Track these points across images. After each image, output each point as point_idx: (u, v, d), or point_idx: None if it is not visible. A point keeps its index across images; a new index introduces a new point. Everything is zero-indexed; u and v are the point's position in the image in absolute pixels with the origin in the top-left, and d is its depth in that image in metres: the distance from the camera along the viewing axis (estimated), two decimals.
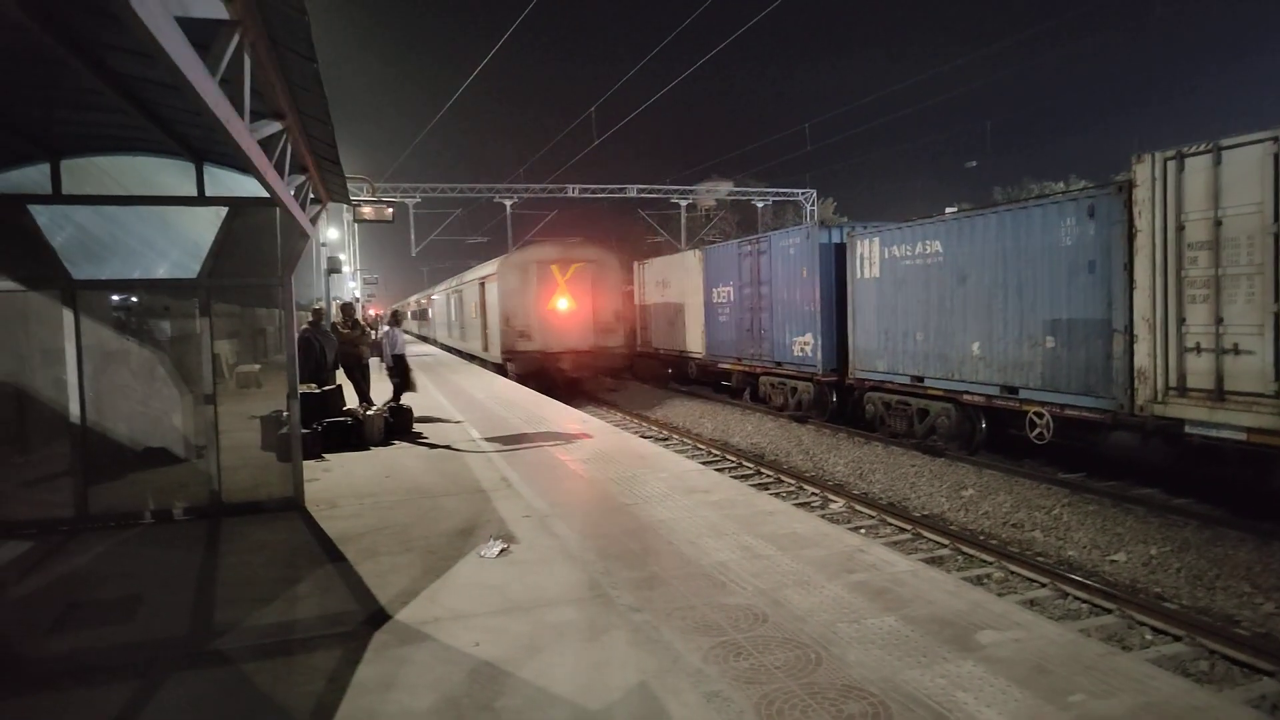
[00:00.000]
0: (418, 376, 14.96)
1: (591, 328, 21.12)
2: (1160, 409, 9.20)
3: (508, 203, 37.87)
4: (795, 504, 10.04)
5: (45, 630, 4.75)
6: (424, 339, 47.21)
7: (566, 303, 20.97)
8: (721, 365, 20.36)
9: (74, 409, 6.88)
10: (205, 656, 4.35)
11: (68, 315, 6.83)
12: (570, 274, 21.06)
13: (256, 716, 3.69)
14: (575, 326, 20.97)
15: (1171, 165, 8.98)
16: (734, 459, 13.33)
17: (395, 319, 14.34)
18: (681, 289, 22.47)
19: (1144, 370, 9.33)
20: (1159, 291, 9.13)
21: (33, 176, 6.75)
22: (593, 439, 10.88)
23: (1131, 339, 9.49)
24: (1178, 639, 6.14)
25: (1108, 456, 10.60)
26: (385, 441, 10.80)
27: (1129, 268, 9.48)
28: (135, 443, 7.57)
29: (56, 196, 6.73)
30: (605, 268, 21.75)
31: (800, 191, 41.91)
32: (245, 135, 3.71)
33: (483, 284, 24.05)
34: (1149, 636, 6.27)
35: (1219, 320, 8.53)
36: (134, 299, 10.93)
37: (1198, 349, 8.79)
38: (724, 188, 42.18)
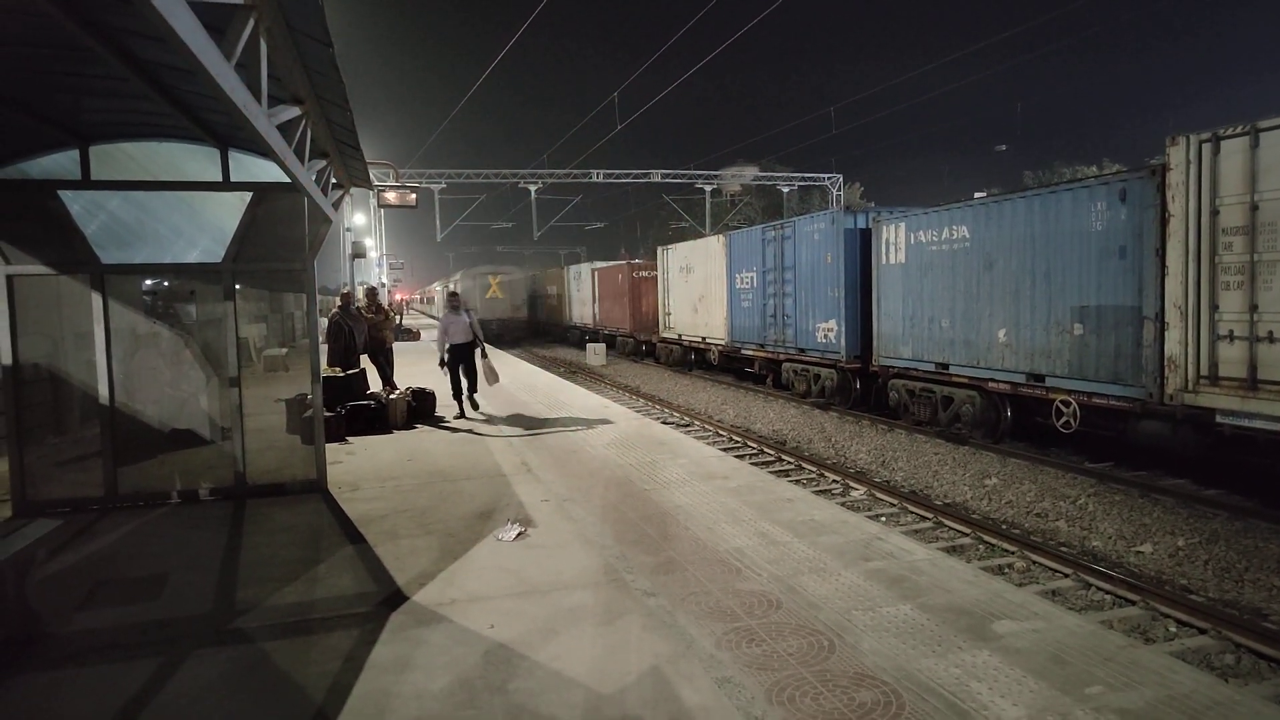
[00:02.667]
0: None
1: (508, 308, 41.38)
2: (1191, 398, 9.02)
3: (532, 188, 37.90)
4: (815, 491, 10.00)
5: (74, 607, 4.86)
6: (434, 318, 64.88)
7: (494, 295, 40.89)
8: (744, 351, 20.28)
9: (103, 391, 7.02)
10: (227, 635, 4.43)
11: (96, 299, 6.95)
12: (497, 280, 41.76)
13: (275, 694, 3.75)
14: (498, 307, 40.67)
15: (1207, 148, 8.77)
16: (754, 445, 13.29)
17: (453, 303, 12.34)
18: (705, 274, 22.39)
19: (1174, 358, 9.15)
20: (1191, 277, 8.94)
21: (63, 163, 6.85)
22: (614, 424, 10.90)
23: (1162, 326, 9.30)
24: (1203, 632, 6.04)
25: (1136, 446, 10.43)
26: (408, 425, 10.90)
27: (1161, 253, 9.29)
28: (163, 424, 7.70)
29: (86, 182, 6.82)
30: (515, 278, 43.24)
31: (826, 176, 41.51)
32: (263, 120, 3.72)
33: (455, 283, 46.44)
34: (1173, 629, 6.18)
35: (1253, 307, 8.33)
36: (165, 283, 11.11)
37: (1231, 337, 8.60)
38: (749, 172, 41.85)
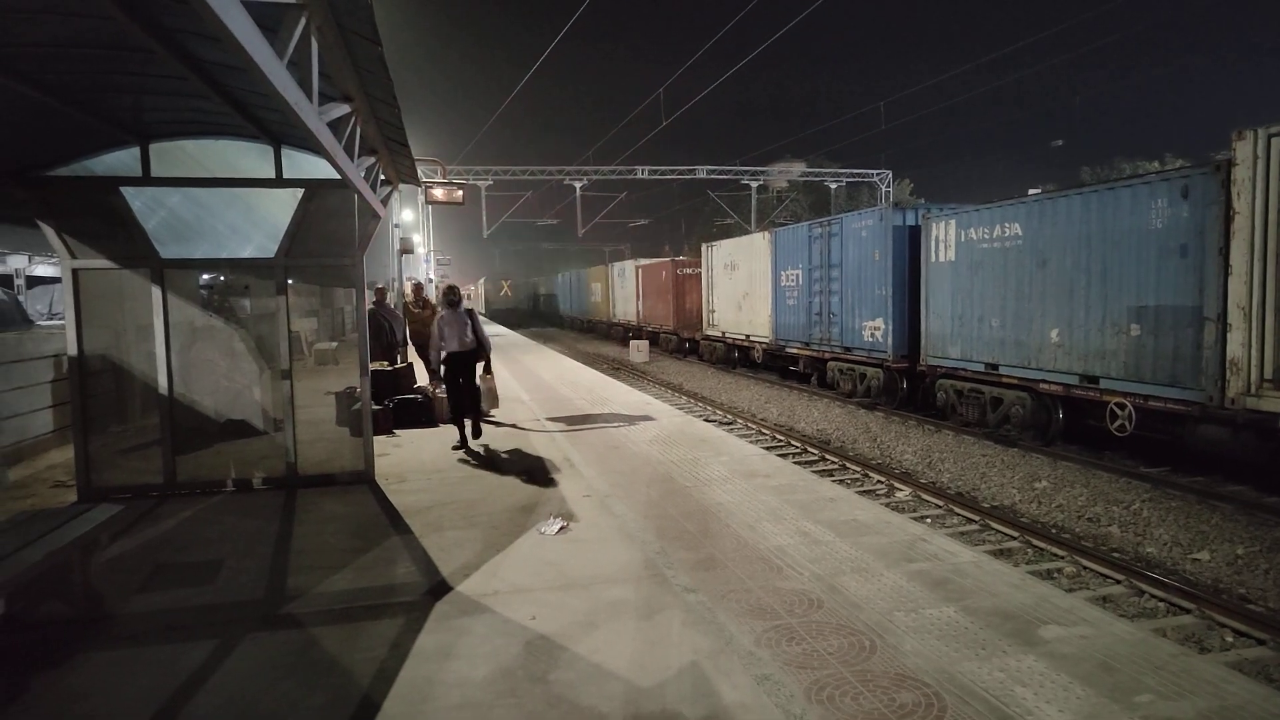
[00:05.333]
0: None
1: (512, 302, 65.74)
2: (1254, 402, 8.73)
3: (577, 185, 38.10)
4: (858, 491, 9.91)
5: (134, 589, 5.04)
6: None
7: (505, 293, 66.38)
8: (789, 350, 20.13)
9: (163, 382, 7.25)
10: (279, 620, 4.55)
11: (156, 292, 7.19)
12: (508, 284, 68.74)
13: (324, 679, 3.84)
14: (509, 301, 66.02)
15: (1276, 142, 8.46)
16: (798, 444, 13.20)
17: (450, 298, 9.35)
18: (749, 272, 22.28)
19: (1237, 361, 8.86)
20: (1257, 277, 8.63)
21: (125, 160, 7.09)
22: (656, 421, 10.91)
23: (1224, 327, 9.01)
24: (1261, 643, 5.84)
25: (1194, 451, 10.12)
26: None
27: (1224, 252, 8.99)
28: (219, 415, 7.92)
29: (146, 179, 7.06)
30: (518, 283, 69.44)
31: (875, 172, 40.96)
32: (314, 117, 3.81)
33: (479, 285, 74.72)
34: (1229, 639, 5.99)
35: None
36: (221, 277, 11.41)
37: None
38: (796, 168, 41.49)
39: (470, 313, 9.36)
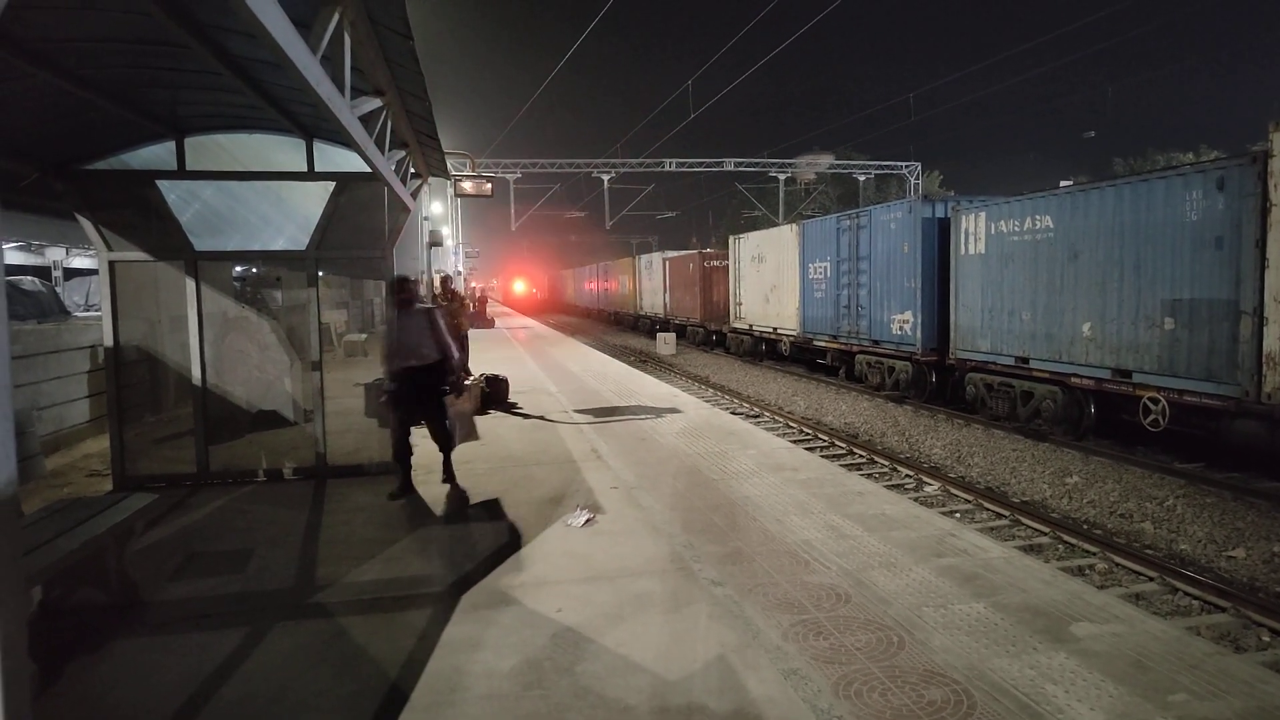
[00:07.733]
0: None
1: (526, 293, 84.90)
2: None
3: (605, 177, 38.11)
4: (887, 485, 9.83)
5: (167, 578, 5.13)
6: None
7: (522, 286, 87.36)
8: (817, 343, 20.01)
9: (196, 373, 7.36)
10: (308, 609, 4.61)
11: (190, 284, 7.29)
12: (522, 277, 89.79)
13: (353, 667, 3.89)
14: (524, 292, 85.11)
15: None
16: (825, 438, 13.13)
17: (401, 296, 7.09)
18: (777, 264, 22.16)
19: (1274, 355, 8.67)
20: None
21: (160, 154, 7.19)
22: (683, 413, 10.90)
23: (1261, 321, 8.82)
24: None
25: (1230, 446, 9.92)
26: (481, 411, 11.11)
27: (1261, 244, 8.80)
28: (250, 405, 8.04)
29: (181, 172, 7.15)
30: (534, 276, 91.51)
31: (904, 164, 40.52)
32: (346, 112, 3.84)
33: (499, 281, 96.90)
34: (1266, 638, 5.88)
35: None
36: (253, 269, 11.53)
37: None
38: (824, 160, 41.18)
39: (429, 313, 7.14)
